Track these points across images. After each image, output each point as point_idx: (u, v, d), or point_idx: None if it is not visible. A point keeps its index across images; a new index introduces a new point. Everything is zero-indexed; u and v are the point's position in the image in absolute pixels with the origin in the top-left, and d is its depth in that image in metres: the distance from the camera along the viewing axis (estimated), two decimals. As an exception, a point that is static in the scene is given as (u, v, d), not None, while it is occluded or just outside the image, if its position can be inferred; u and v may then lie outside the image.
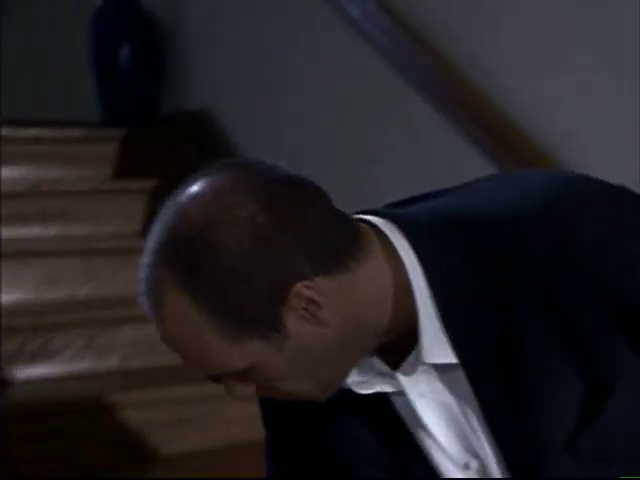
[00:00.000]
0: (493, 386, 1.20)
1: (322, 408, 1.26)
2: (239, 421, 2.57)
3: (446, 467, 1.26)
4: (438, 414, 1.25)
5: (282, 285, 1.15)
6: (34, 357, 2.72)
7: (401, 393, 1.25)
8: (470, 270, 1.19)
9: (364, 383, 1.25)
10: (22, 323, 2.76)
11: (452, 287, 1.20)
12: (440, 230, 1.21)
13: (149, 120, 3.70)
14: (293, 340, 1.17)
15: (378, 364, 1.26)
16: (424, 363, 1.21)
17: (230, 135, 3.52)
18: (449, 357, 1.20)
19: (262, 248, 1.14)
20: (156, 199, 3.25)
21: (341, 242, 1.19)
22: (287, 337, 1.17)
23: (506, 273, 1.19)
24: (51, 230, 3.16)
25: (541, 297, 1.17)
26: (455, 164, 2.72)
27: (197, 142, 3.59)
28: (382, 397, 1.26)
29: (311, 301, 1.16)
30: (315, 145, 3.19)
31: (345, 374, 1.24)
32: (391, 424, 1.28)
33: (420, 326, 1.20)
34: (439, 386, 1.24)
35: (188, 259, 1.15)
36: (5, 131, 3.38)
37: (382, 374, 1.26)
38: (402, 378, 1.24)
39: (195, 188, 1.18)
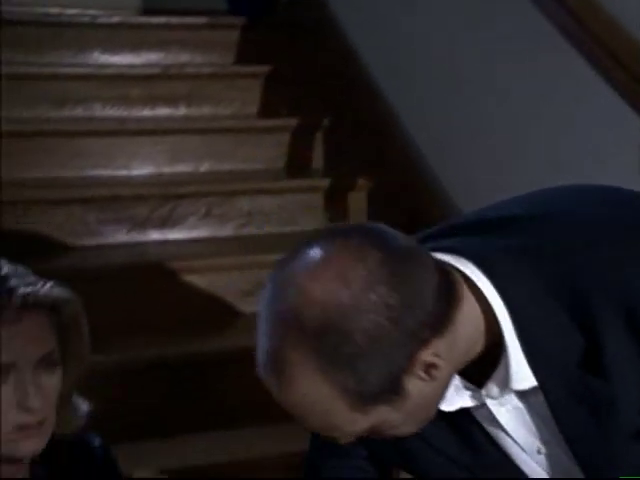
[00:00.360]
0: (570, 406, 1.23)
1: None
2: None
3: (518, 454, 1.32)
4: (514, 417, 1.29)
5: (409, 355, 1.16)
6: (163, 223, 2.89)
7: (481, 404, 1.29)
8: (551, 298, 1.22)
9: (446, 399, 1.28)
10: (152, 193, 2.91)
11: (533, 318, 1.22)
12: (517, 262, 1.23)
13: (269, 9, 3.77)
14: (410, 399, 1.19)
15: (461, 381, 1.29)
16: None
17: (343, 25, 3.53)
18: (532, 382, 1.24)
19: (394, 328, 1.14)
20: (271, 83, 3.42)
21: (447, 299, 1.19)
22: (406, 398, 1.19)
23: (587, 294, 1.21)
24: (179, 110, 3.30)
25: (621, 313, 1.20)
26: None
27: (311, 32, 3.63)
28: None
29: (431, 365, 1.18)
30: (429, 34, 3.12)
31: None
32: (464, 420, 1.32)
33: (509, 358, 1.23)
34: (517, 399, 1.29)
35: (321, 342, 1.13)
36: (139, 19, 3.54)
37: (465, 388, 1.29)
38: (486, 397, 1.28)
39: (314, 264, 1.16)
